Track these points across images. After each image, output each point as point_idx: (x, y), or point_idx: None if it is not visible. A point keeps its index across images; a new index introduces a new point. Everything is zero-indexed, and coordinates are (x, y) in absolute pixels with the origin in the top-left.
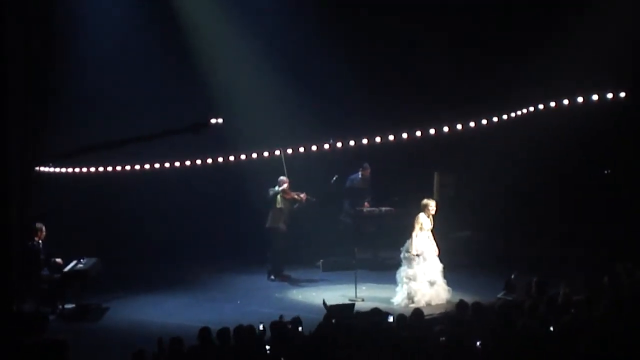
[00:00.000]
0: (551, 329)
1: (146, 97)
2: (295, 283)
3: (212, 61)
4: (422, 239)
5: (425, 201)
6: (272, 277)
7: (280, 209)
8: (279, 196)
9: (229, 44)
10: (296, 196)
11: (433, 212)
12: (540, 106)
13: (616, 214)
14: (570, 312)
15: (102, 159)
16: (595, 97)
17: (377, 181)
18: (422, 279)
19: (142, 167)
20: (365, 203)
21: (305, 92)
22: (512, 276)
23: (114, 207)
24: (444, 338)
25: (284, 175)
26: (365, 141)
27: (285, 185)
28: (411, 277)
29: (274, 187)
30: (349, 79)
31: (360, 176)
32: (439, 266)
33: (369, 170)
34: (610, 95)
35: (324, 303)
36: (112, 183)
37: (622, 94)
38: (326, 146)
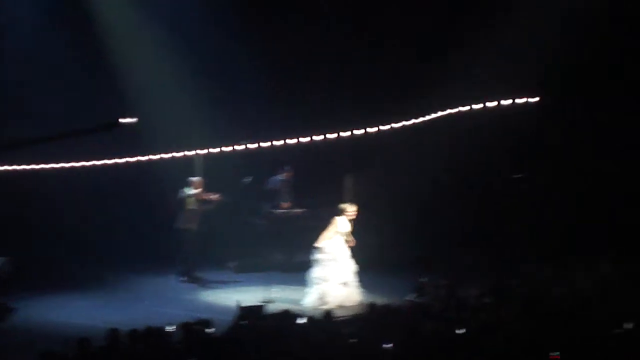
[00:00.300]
0: (460, 331)
1: (58, 97)
2: (207, 284)
3: (127, 61)
4: (336, 241)
5: (344, 205)
6: (184, 278)
7: (192, 209)
8: (190, 196)
9: (144, 43)
10: (208, 197)
11: (353, 216)
12: (453, 110)
13: (526, 216)
14: (479, 314)
15: (13, 158)
16: (508, 101)
17: (292, 183)
18: (334, 280)
19: (53, 166)
20: (284, 204)
21: (220, 93)
22: (423, 279)
23: (23, 207)
24: (353, 340)
25: (196, 176)
26: (279, 143)
27: (197, 187)
28: (323, 279)
29: (186, 187)
30: (265, 81)
31: (282, 178)
32: (351, 268)
33: (290, 174)
34: (522, 100)
35: (238, 304)
36: (22, 183)
37: (535, 99)
38: (240, 147)
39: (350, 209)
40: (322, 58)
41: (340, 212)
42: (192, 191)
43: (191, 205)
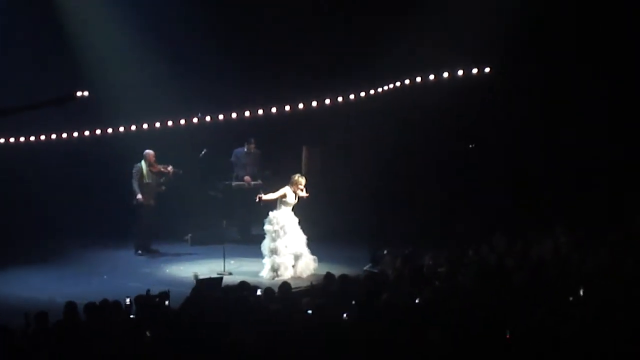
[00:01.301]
0: (416, 301)
1: (11, 69)
2: (163, 257)
3: (82, 34)
4: (284, 212)
5: (296, 177)
6: (139, 251)
7: (147, 183)
8: (145, 170)
9: (100, 16)
10: (162, 169)
11: (301, 188)
12: (407, 81)
13: (485, 187)
14: (434, 283)
15: None
16: (460, 72)
17: (261, 160)
18: (285, 251)
19: (7, 139)
20: (247, 177)
21: (175, 65)
22: (384, 251)
23: None
24: (310, 310)
25: (149, 149)
26: (234, 115)
27: (150, 160)
28: (273, 251)
29: (140, 161)
30: (221, 53)
31: (245, 150)
32: (302, 238)
33: (253, 145)
34: (475, 71)
35: (195, 276)
36: None
37: (487, 69)
38: (195, 120)
39: (301, 181)
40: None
41: (291, 183)
42: (145, 164)
43: (146, 179)
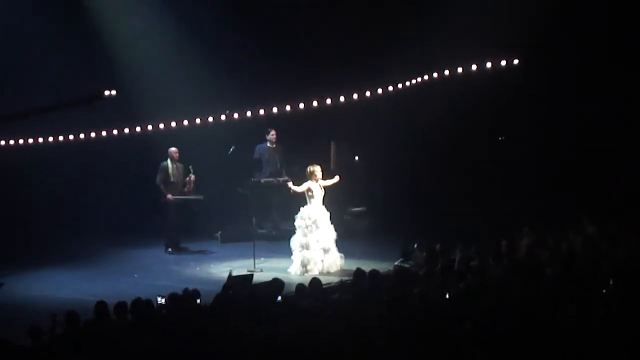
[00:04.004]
0: (447, 295)
1: (40, 69)
2: (193, 255)
3: (111, 33)
4: (315, 206)
5: (309, 168)
6: (169, 249)
7: (172, 182)
8: (170, 168)
9: (128, 15)
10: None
11: (319, 177)
12: (435, 74)
13: (514, 182)
14: (466, 277)
15: None
16: (489, 64)
17: (284, 153)
18: (315, 246)
19: (36, 140)
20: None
21: (202, 63)
22: (413, 245)
23: (8, 181)
24: (341, 306)
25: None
26: (262, 112)
27: (174, 156)
28: (304, 246)
29: (165, 160)
30: (246, 49)
31: (268, 144)
32: (332, 234)
33: (274, 133)
34: (504, 63)
35: (230, 273)
36: (6, 157)
37: (516, 61)
38: (222, 117)
39: (315, 170)
40: (304, 27)
41: (309, 176)
42: (170, 163)
43: (171, 177)
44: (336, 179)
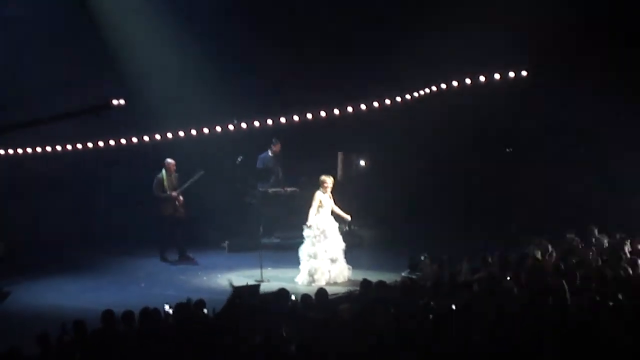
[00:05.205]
0: (453, 307)
1: (48, 79)
2: (200, 265)
3: (119, 42)
4: (323, 216)
5: (321, 177)
6: (175, 259)
7: (166, 196)
8: (165, 180)
9: (137, 24)
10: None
11: (330, 187)
12: (443, 85)
13: (522, 192)
14: (472, 288)
15: (2, 141)
16: (497, 76)
17: (283, 162)
18: (323, 256)
19: (43, 148)
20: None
21: (209, 72)
22: (421, 257)
23: (16, 190)
24: (348, 316)
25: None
26: (270, 122)
27: (170, 168)
28: (312, 255)
29: (160, 171)
30: (254, 60)
31: (270, 154)
32: (340, 244)
33: (279, 146)
34: (512, 74)
35: (230, 283)
36: (12, 166)
37: (524, 73)
38: (230, 127)
39: (326, 180)
40: (312, 37)
41: (319, 186)
42: (165, 174)
43: (167, 189)
44: (348, 217)
